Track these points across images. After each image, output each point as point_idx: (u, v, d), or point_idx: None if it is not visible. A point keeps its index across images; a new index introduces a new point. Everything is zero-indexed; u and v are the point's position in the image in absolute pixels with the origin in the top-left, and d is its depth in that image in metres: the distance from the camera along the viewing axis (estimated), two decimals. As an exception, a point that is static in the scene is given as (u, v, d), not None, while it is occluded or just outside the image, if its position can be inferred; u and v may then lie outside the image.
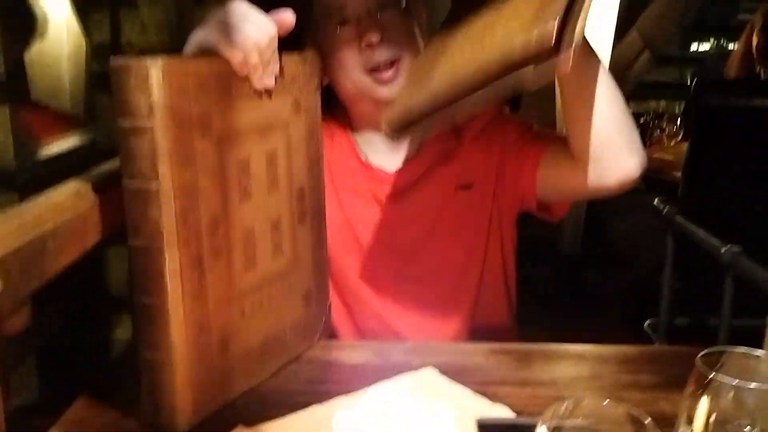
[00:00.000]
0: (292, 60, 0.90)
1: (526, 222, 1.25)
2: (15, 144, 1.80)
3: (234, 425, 0.78)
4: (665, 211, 1.98)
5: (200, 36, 0.83)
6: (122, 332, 2.17)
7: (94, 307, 2.09)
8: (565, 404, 0.51)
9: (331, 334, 1.15)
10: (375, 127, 1.20)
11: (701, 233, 1.74)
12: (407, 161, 1.20)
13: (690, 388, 0.60)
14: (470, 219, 1.18)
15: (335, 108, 1.23)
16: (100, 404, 0.84)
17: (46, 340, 1.84)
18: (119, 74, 0.72)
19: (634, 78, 3.88)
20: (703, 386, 0.59)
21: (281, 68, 0.87)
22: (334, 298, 1.17)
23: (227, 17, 0.81)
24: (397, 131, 0.90)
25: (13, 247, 0.59)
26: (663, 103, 4.06)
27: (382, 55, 1.10)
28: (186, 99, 0.74)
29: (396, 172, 1.20)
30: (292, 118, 0.92)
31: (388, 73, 1.11)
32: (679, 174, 2.26)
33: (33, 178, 1.74)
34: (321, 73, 1.06)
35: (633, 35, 3.71)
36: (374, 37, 1.09)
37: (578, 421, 0.51)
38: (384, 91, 1.11)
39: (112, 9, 2.18)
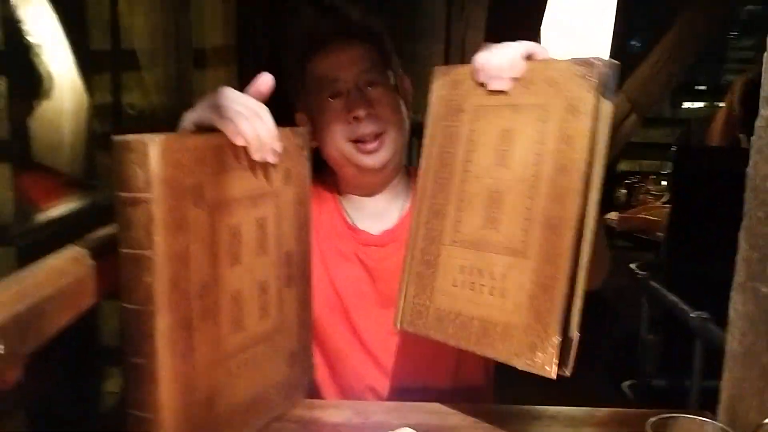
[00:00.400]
0: (284, 133, 0.96)
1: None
2: (15, 201, 1.86)
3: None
4: (640, 276, 2.03)
5: (194, 115, 0.90)
6: (113, 384, 2.19)
7: (86, 359, 2.12)
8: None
9: (314, 393, 1.19)
10: (360, 191, 1.26)
11: (672, 298, 1.79)
12: (393, 226, 1.26)
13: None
14: None
15: (324, 172, 1.30)
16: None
17: (37, 393, 1.86)
18: (119, 150, 0.77)
19: (622, 139, 3.98)
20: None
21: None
22: (317, 357, 1.21)
23: (218, 98, 0.88)
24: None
25: (13, 312, 0.64)
26: (655, 163, 4.16)
27: (367, 127, 1.18)
28: (182, 172, 0.79)
29: (381, 234, 1.25)
30: (283, 187, 0.98)
31: (372, 145, 1.19)
32: (662, 234, 2.32)
33: (31, 237, 1.79)
34: (310, 139, 1.13)
35: (620, 98, 3.82)
36: (361, 112, 1.18)
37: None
38: (367, 161, 1.19)
39: (114, 70, 2.27)
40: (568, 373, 0.85)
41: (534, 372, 0.87)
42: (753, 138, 0.71)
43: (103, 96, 2.20)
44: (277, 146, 0.92)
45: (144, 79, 2.24)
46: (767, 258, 0.67)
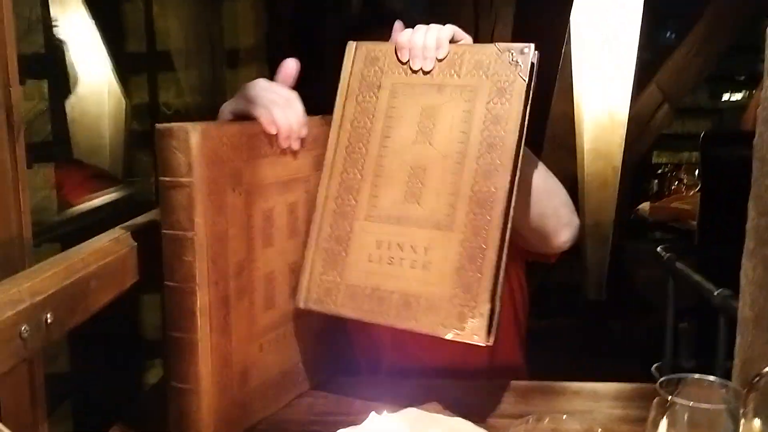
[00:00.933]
0: (314, 122, 1.00)
1: (551, 269, 1.32)
2: (58, 199, 1.94)
3: (252, 451, 0.86)
4: (666, 257, 2.04)
5: (231, 106, 0.96)
6: (153, 376, 2.27)
7: (129, 352, 2.19)
8: (528, 420, 0.58)
9: (346, 373, 1.23)
10: None
11: (696, 278, 1.80)
12: None
13: (652, 413, 0.67)
14: None
15: None
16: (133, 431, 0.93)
17: (82, 384, 1.94)
18: (163, 137, 0.82)
19: (655, 130, 3.94)
20: (663, 410, 0.66)
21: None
22: (352, 337, 1.25)
23: (253, 89, 0.94)
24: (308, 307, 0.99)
25: (62, 285, 0.69)
26: (695, 154, 4.12)
27: None
28: (220, 158, 0.84)
29: None
30: (313, 173, 1.02)
31: None
32: (695, 222, 2.32)
33: (74, 229, 1.87)
34: None
35: (652, 89, 3.79)
36: None
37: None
38: None
39: (150, 72, 2.35)
40: (491, 342, 0.87)
41: (462, 341, 0.89)
42: (759, 109, 0.73)
43: (140, 96, 2.29)
44: (304, 133, 0.97)
45: (179, 79, 2.31)
46: (776, 225, 0.69)
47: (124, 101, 2.40)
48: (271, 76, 1.01)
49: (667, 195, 3.25)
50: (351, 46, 1.03)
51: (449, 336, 0.90)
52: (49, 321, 0.66)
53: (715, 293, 1.66)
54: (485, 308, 0.88)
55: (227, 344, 0.87)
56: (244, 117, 0.94)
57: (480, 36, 2.94)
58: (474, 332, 0.88)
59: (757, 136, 0.73)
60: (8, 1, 0.69)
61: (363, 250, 0.97)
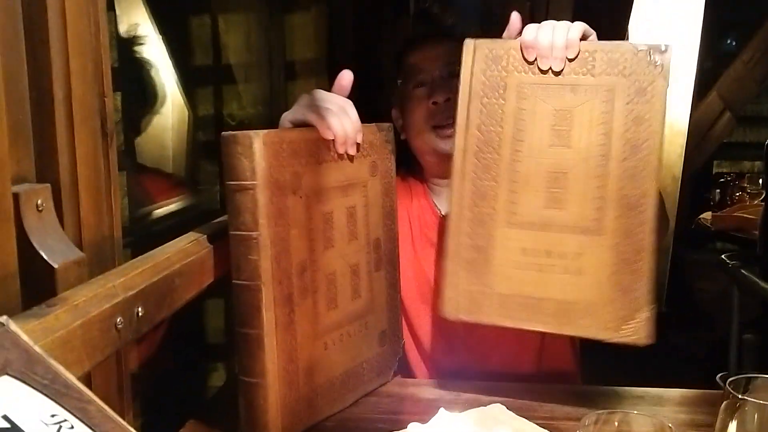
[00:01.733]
0: (370, 129, 1.04)
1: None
2: (130, 205, 2.02)
3: (320, 445, 0.89)
4: (731, 265, 2.01)
5: (290, 115, 1.01)
6: (217, 378, 2.33)
7: (192, 356, 2.26)
8: (599, 416, 0.60)
9: (407, 375, 1.25)
10: (442, 177, 1.33)
11: (764, 285, 1.77)
12: None
13: (721, 415, 0.68)
14: None
15: (415, 167, 1.37)
16: (207, 425, 0.98)
17: (149, 387, 2.01)
18: (228, 144, 0.88)
19: (716, 139, 3.87)
20: (733, 410, 0.67)
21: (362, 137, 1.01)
22: (410, 342, 1.27)
23: (311, 98, 1.00)
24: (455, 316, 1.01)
25: (151, 281, 0.74)
26: (758, 164, 4.02)
27: (445, 113, 1.26)
28: (281, 163, 0.89)
29: None
30: (370, 178, 1.06)
31: (449, 131, 1.24)
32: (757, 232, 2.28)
33: (144, 235, 1.94)
34: (401, 132, 1.22)
35: (713, 96, 3.73)
36: (440, 98, 1.27)
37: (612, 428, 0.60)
38: (444, 146, 1.26)
39: (214, 85, 2.42)
40: (653, 340, 0.88)
41: (626, 343, 0.90)
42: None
43: (205, 108, 2.36)
44: (359, 139, 1.01)
45: (240, 91, 2.39)
46: None
47: (187, 113, 2.49)
48: (330, 88, 1.05)
49: (730, 204, 3.18)
50: (469, 44, 0.98)
51: (613, 339, 0.91)
52: (140, 314, 0.70)
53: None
54: (647, 310, 0.89)
55: (292, 341, 0.91)
56: (303, 125, 0.99)
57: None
58: (637, 334, 0.90)
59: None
60: (104, 15, 0.74)
61: (508, 257, 0.97)
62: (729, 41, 4.74)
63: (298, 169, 0.92)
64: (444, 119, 1.26)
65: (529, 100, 0.96)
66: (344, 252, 1.01)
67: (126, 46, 2.17)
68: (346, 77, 1.04)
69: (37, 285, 0.66)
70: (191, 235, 0.93)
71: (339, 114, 0.97)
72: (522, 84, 0.96)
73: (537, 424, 0.95)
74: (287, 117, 1.02)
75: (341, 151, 0.99)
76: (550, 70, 0.95)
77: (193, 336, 2.26)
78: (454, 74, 1.27)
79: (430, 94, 1.28)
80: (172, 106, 2.53)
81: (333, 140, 0.97)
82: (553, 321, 0.95)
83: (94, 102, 0.75)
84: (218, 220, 1.04)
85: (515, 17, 1.00)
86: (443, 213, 1.33)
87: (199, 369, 2.26)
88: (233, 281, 0.89)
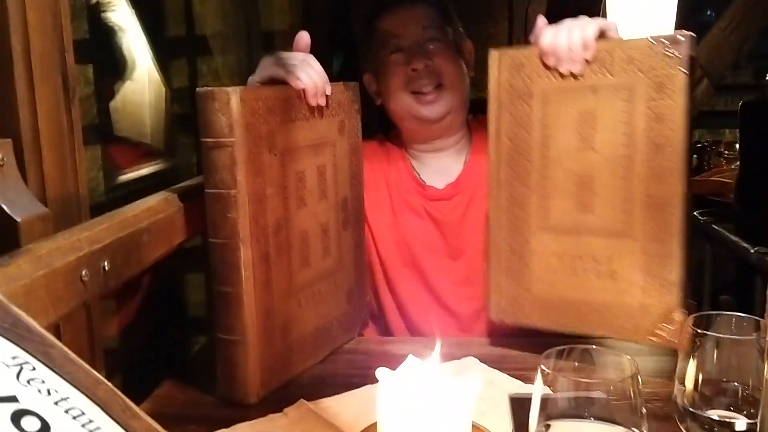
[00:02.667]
0: (337, 88, 1.04)
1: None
2: (105, 178, 2.01)
3: (296, 400, 0.90)
4: (703, 221, 2.04)
5: (257, 75, 1.00)
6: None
7: (175, 329, 2.26)
8: (556, 351, 0.61)
9: (385, 333, 1.26)
10: (424, 146, 1.33)
11: (734, 238, 1.80)
12: (456, 178, 1.32)
13: (682, 351, 0.69)
14: None
15: (393, 132, 1.37)
16: (183, 384, 0.98)
17: (132, 359, 2.01)
18: (204, 100, 0.87)
19: (695, 107, 3.88)
20: (693, 344, 0.68)
21: (329, 96, 1.01)
22: (391, 305, 1.28)
23: (274, 58, 1.00)
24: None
25: (117, 236, 0.74)
26: (737, 132, 4.05)
27: (425, 79, 1.25)
28: (257, 119, 0.89)
29: (446, 188, 1.31)
30: (338, 137, 1.05)
31: (431, 96, 1.25)
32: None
33: (122, 195, 1.93)
34: (376, 98, 1.24)
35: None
36: (419, 64, 1.25)
37: (572, 364, 0.61)
38: (425, 112, 1.26)
39: (189, 58, 2.40)
40: None
41: (659, 345, 0.91)
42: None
43: (180, 81, 2.34)
44: (328, 91, 1.00)
45: (217, 63, 2.37)
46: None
47: (164, 87, 2.46)
48: None
49: (707, 170, 3.22)
50: (494, 54, 1.00)
51: (646, 342, 0.92)
52: (106, 268, 0.70)
53: (752, 251, 1.67)
54: (680, 313, 0.89)
55: (269, 299, 0.92)
56: (270, 84, 0.98)
57: (515, 20, 2.92)
58: (672, 336, 0.89)
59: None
60: (62, -30, 0.73)
61: (544, 262, 0.98)
62: (708, 12, 4.75)
63: (273, 127, 0.92)
64: (424, 85, 1.25)
65: (554, 106, 0.96)
66: (315, 211, 1.01)
67: (105, 17, 2.14)
68: (303, 38, 1.04)
69: (0, 239, 0.66)
70: (161, 194, 0.92)
71: (303, 66, 0.97)
72: (546, 90, 0.97)
73: (509, 374, 0.96)
74: (254, 78, 1.01)
75: (313, 103, 0.98)
76: (570, 74, 0.94)
77: (173, 311, 2.26)
78: (432, 38, 1.27)
79: (409, 60, 1.26)
80: (148, 79, 2.51)
81: (304, 93, 0.96)
82: (590, 324, 0.96)
83: (54, 57, 0.74)
84: (189, 181, 1.04)
85: (540, 21, 0.99)
86: (423, 178, 1.33)
87: (179, 343, 2.27)
88: (210, 240, 0.89)
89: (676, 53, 0.86)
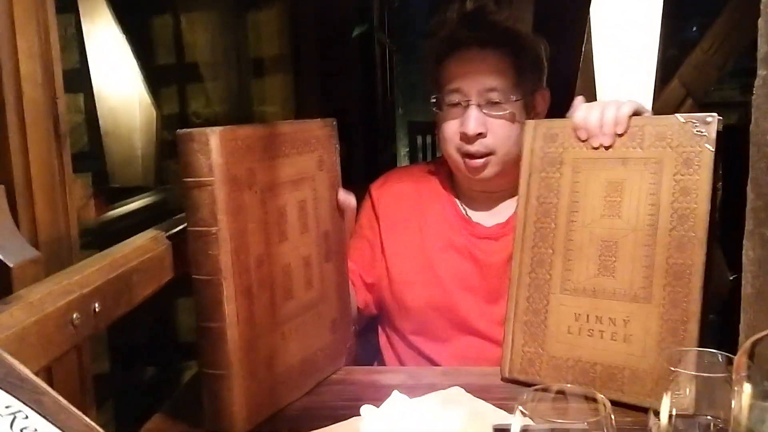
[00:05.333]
0: (316, 125, 1.07)
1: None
2: (96, 206, 2.03)
3: (284, 432, 0.92)
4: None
5: None
6: (190, 376, 2.34)
7: (165, 355, 2.27)
8: (534, 390, 0.63)
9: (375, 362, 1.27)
10: (472, 187, 1.30)
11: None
12: (506, 219, 1.28)
13: (657, 386, 0.71)
14: None
15: (441, 160, 1.33)
16: (173, 417, 1.00)
17: (123, 385, 2.02)
18: (184, 141, 0.89)
19: (717, 178, 3.89)
20: (668, 381, 0.70)
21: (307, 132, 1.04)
22: (412, 346, 1.28)
23: None
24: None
25: (107, 278, 0.76)
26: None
27: (473, 147, 1.21)
28: (237, 159, 0.91)
29: (493, 227, 1.28)
30: (317, 172, 1.08)
31: (478, 162, 1.22)
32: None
33: (111, 232, 1.95)
34: (434, 131, 1.24)
35: (674, 84, 3.79)
36: (471, 132, 1.20)
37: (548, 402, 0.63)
38: (472, 173, 1.23)
39: (179, 84, 2.43)
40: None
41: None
42: (753, 97, 0.77)
43: (170, 107, 2.37)
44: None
45: (207, 89, 2.39)
46: (772, 205, 0.72)
47: (154, 112, 2.49)
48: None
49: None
50: (530, 124, 1.09)
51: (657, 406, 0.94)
52: (97, 310, 0.72)
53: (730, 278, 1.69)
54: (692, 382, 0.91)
55: (252, 332, 0.94)
56: None
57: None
58: (684, 404, 0.91)
59: (753, 121, 0.77)
60: (53, 20, 0.75)
61: (561, 322, 1.03)
62: (693, 29, 4.82)
63: (253, 165, 0.94)
64: (473, 152, 1.21)
65: (583, 173, 1.02)
66: (297, 244, 1.03)
67: (89, 46, 2.16)
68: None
69: (-7, 285, 0.68)
70: (149, 233, 0.95)
71: None
72: (577, 159, 1.03)
73: (495, 405, 0.98)
74: None
75: None
76: (601, 146, 1.01)
77: (164, 336, 2.27)
78: (494, 103, 1.20)
79: (463, 124, 1.20)
80: (139, 106, 2.53)
81: (285, 137, 0.99)
82: (602, 386, 0.98)
83: (46, 104, 0.76)
84: (177, 217, 1.06)
85: (577, 101, 1.07)
86: (469, 215, 1.30)
87: (170, 368, 2.28)
88: (193, 276, 0.91)
89: (704, 131, 0.92)
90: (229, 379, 0.91)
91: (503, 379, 1.06)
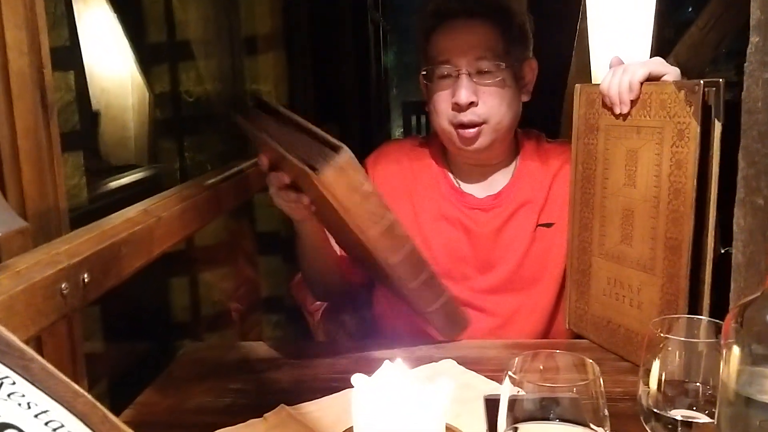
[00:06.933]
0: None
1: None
2: (87, 184, 2.02)
3: (276, 405, 0.92)
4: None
5: None
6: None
7: (159, 334, 2.27)
8: (523, 356, 0.63)
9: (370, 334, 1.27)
10: (465, 160, 1.29)
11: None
12: (498, 191, 1.28)
13: (646, 352, 0.71)
14: (549, 256, 1.23)
15: (433, 133, 1.33)
16: (165, 391, 1.00)
17: (117, 367, 2.02)
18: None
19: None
20: (657, 348, 0.70)
21: None
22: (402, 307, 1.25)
23: None
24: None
25: (96, 249, 0.75)
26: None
27: (466, 116, 1.19)
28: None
29: (485, 198, 1.27)
30: None
31: (471, 132, 1.20)
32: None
33: (104, 205, 1.94)
34: (425, 96, 1.25)
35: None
36: (463, 101, 1.18)
37: (537, 367, 0.63)
38: (464, 144, 1.22)
39: (171, 62, 2.41)
40: None
41: None
42: (745, 64, 0.76)
43: (162, 86, 2.35)
44: None
45: (199, 67, 2.37)
46: (761, 173, 0.72)
47: (147, 92, 2.47)
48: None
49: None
50: (578, 88, 1.10)
51: None
52: (86, 281, 0.72)
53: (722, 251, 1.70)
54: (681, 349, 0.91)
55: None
56: None
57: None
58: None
59: (744, 89, 0.76)
60: (39, -10, 0.74)
61: (599, 284, 1.07)
62: (689, 9, 4.81)
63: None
64: (466, 122, 1.20)
65: (612, 141, 1.03)
66: None
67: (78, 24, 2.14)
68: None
69: (-19, 255, 0.67)
70: (139, 205, 0.94)
71: None
72: (607, 125, 1.04)
73: (486, 376, 0.99)
74: None
75: None
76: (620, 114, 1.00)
77: (158, 315, 2.26)
78: (484, 72, 1.19)
79: (454, 94, 1.19)
80: (131, 85, 2.51)
81: None
82: (624, 348, 1.03)
83: (32, 75, 0.75)
84: (169, 190, 1.06)
85: (612, 61, 1.05)
86: (461, 186, 1.29)
87: (164, 347, 2.28)
88: None
89: (693, 102, 0.88)
90: None
91: (567, 329, 1.15)
